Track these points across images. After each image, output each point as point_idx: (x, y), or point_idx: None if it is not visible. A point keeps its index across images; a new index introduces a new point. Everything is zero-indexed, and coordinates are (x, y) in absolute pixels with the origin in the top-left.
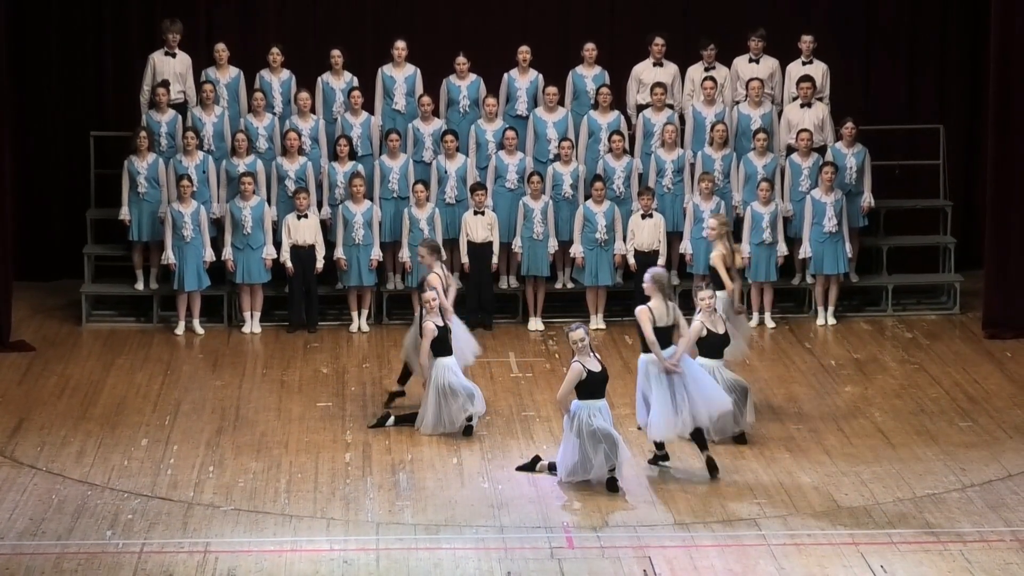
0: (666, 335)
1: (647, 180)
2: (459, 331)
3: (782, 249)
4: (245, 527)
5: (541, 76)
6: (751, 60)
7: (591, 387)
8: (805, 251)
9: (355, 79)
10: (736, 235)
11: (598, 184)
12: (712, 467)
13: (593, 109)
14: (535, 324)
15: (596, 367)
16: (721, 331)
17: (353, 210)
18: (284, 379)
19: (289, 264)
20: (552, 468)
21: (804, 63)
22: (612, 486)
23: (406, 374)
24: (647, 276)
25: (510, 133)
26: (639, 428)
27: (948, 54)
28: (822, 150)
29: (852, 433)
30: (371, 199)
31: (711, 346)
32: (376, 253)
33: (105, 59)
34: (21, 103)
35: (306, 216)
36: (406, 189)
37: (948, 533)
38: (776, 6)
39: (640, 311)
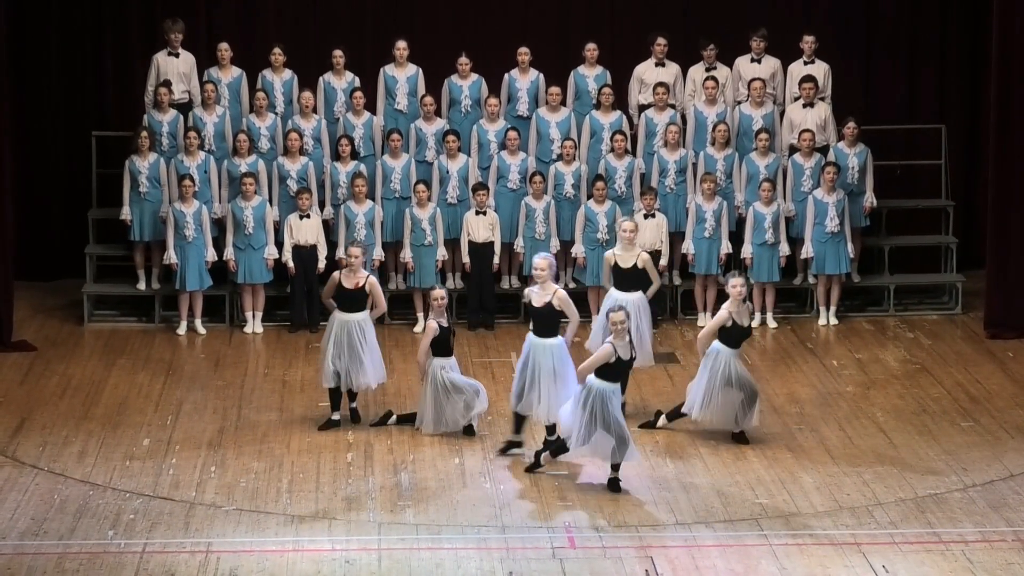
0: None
1: (649, 180)
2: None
3: (784, 249)
4: (247, 527)
5: (542, 76)
6: (752, 60)
7: (615, 371)
8: (807, 251)
9: (357, 79)
10: (738, 236)
11: (600, 184)
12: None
13: (595, 109)
14: None
15: (626, 354)
16: (745, 324)
17: (355, 210)
18: (286, 379)
19: (291, 264)
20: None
21: (806, 63)
22: (614, 486)
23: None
24: (546, 263)
25: (512, 133)
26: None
27: (949, 54)
28: (824, 150)
29: (854, 433)
30: (373, 199)
31: (731, 337)
32: (378, 253)
33: (105, 59)
34: (22, 103)
35: (308, 216)
36: (408, 189)
37: (950, 533)
38: (777, 6)
39: (566, 306)
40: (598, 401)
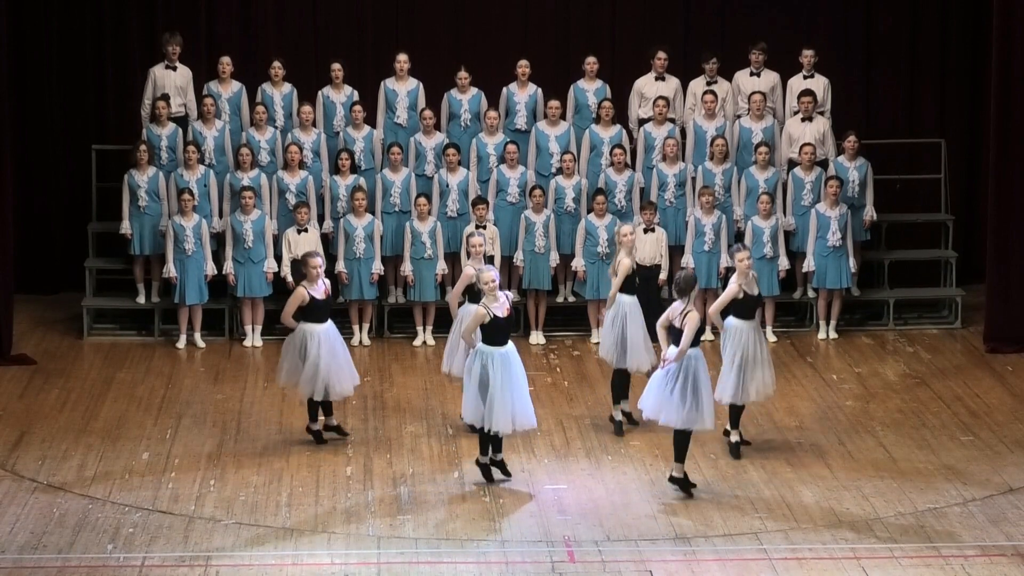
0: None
1: (649, 194)
2: (341, 355)
3: (783, 263)
4: (246, 541)
5: (540, 90)
6: (752, 74)
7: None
8: (809, 265)
9: (356, 93)
10: None
11: (600, 198)
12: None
13: (595, 123)
14: (536, 338)
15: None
16: (756, 292)
17: (355, 224)
18: (285, 392)
19: (290, 278)
20: None
21: (805, 77)
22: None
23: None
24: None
25: (511, 147)
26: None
27: (949, 68)
28: (823, 164)
29: (854, 447)
30: (373, 213)
31: (744, 308)
32: (377, 267)
33: (106, 72)
34: (22, 116)
35: (306, 230)
36: (408, 203)
37: (950, 547)
38: (777, 20)
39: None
40: (689, 368)
